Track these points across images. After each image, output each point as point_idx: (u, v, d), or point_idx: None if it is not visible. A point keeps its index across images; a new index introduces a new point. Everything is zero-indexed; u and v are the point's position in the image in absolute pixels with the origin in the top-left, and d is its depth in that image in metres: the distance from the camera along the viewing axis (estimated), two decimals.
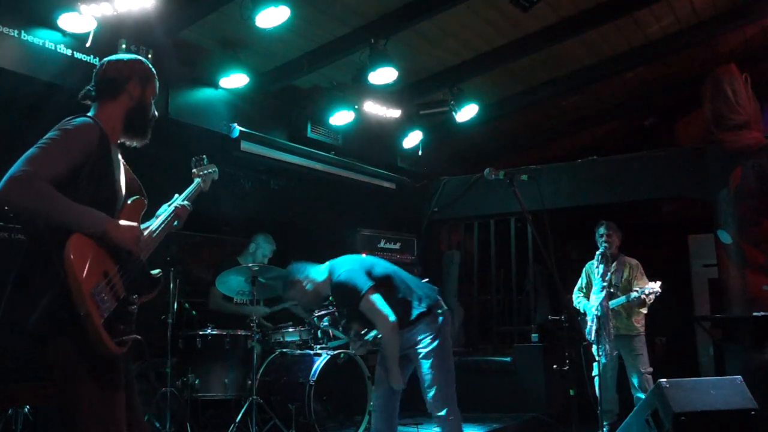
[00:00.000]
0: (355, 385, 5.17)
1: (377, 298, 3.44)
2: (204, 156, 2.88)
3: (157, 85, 2.50)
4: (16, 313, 2.06)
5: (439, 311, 3.63)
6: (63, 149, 2.09)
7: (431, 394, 3.50)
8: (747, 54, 6.87)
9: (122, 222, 2.19)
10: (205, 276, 5.80)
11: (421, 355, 3.54)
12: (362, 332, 3.49)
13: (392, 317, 3.42)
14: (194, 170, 2.85)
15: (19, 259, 2.15)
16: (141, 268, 2.31)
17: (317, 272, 3.67)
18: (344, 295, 3.56)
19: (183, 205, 2.60)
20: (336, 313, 3.99)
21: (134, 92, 2.38)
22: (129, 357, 2.25)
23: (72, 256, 1.97)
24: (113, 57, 2.45)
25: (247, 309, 4.95)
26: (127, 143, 2.45)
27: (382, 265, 3.70)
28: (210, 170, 2.88)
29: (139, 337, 2.19)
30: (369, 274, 3.53)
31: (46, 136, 2.12)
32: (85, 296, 1.96)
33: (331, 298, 3.89)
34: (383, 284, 3.54)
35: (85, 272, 1.99)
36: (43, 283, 2.03)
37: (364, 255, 3.82)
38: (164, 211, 2.57)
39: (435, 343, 3.54)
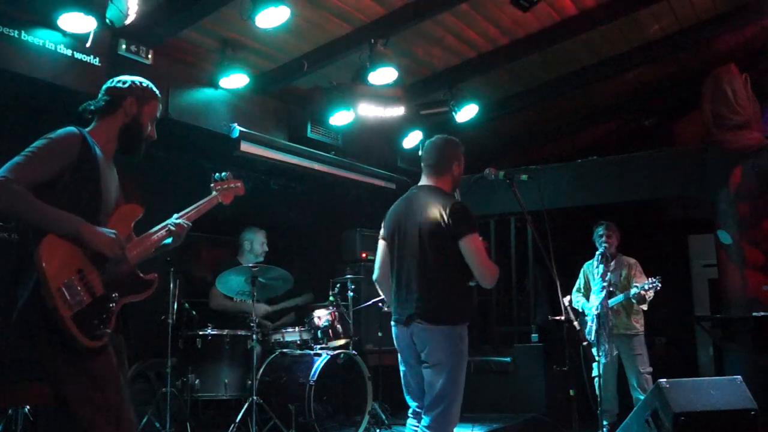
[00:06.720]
0: (355, 385, 5.18)
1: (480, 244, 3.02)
2: (226, 172, 2.92)
3: (159, 107, 2.62)
4: (10, 311, 2.20)
5: None
6: (43, 157, 2.25)
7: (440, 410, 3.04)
8: (747, 54, 6.87)
9: (99, 228, 2.30)
10: (205, 276, 5.79)
11: (439, 367, 3.04)
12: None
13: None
14: (212, 184, 2.90)
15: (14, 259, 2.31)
16: (128, 270, 2.40)
17: None
18: (455, 216, 3.05)
19: (179, 224, 2.65)
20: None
21: (130, 110, 2.52)
22: (120, 342, 2.38)
23: (42, 254, 2.13)
24: (116, 78, 2.58)
25: (248, 306, 4.97)
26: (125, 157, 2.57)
27: None
28: (233, 185, 2.93)
29: (109, 331, 2.27)
30: None
31: (32, 144, 2.28)
32: (52, 290, 2.11)
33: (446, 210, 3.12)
34: None
35: (55, 269, 2.14)
36: (26, 280, 2.18)
37: None
38: (164, 223, 2.64)
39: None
